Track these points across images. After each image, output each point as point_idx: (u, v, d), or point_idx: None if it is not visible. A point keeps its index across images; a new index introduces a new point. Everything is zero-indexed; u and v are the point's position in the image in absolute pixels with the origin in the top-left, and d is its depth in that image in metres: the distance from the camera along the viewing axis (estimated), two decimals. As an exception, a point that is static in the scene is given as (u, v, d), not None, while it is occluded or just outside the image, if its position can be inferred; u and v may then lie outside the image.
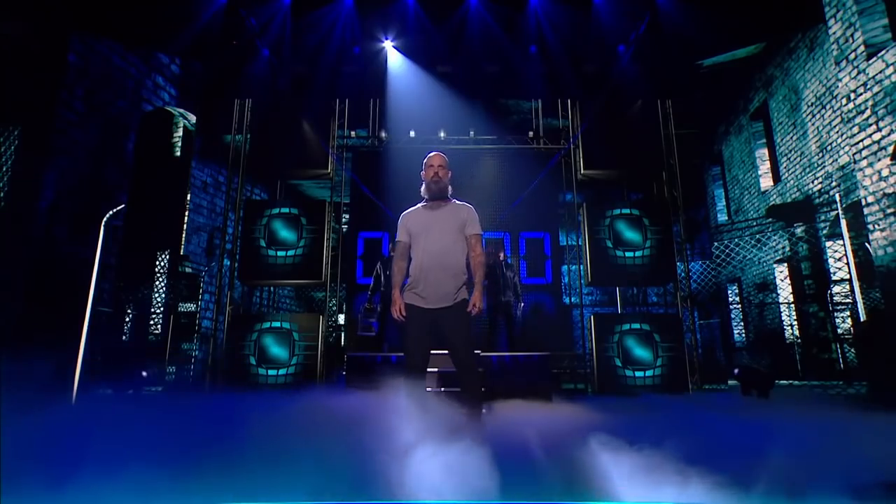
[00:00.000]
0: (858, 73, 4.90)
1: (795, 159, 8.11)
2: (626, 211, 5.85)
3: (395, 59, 7.57)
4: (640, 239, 5.75)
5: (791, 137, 8.20)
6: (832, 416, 3.07)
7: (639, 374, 5.40)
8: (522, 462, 1.89)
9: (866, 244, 5.35)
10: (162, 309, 6.82)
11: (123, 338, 6.65)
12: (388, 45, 7.33)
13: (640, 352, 5.45)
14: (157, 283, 6.95)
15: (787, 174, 8.40)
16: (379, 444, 1.90)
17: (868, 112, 4.78)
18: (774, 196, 8.82)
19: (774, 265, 8.90)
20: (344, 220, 9.33)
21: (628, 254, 5.72)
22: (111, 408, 4.05)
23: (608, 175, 6.29)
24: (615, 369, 5.42)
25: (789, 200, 8.26)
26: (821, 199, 7.42)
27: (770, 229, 8.55)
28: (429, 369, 2.76)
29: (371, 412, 2.29)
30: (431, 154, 2.83)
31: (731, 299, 10.63)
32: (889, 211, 4.57)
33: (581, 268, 6.22)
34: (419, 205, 2.82)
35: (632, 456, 1.76)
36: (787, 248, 8.26)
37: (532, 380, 5.28)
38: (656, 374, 5.39)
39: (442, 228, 2.64)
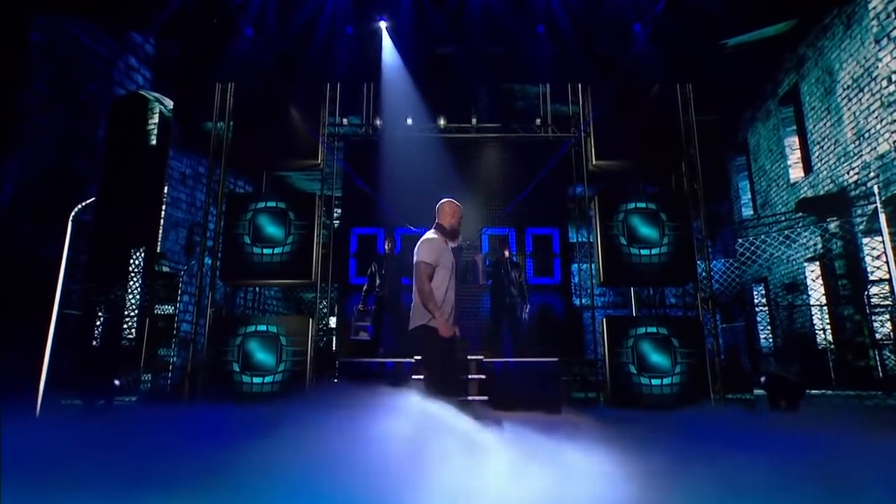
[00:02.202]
0: (900, 51, 4.76)
1: (829, 148, 8.03)
2: (642, 205, 5.83)
3: (391, 40, 7.50)
4: (657, 235, 5.72)
5: (824, 124, 8.13)
6: (882, 433, 2.93)
7: (655, 381, 5.38)
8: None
9: (907, 241, 5.24)
10: (136, 311, 6.82)
11: (94, 343, 6.62)
12: (382, 24, 7.25)
13: (657, 358, 5.42)
14: (132, 283, 6.94)
15: (819, 164, 8.33)
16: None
17: (911, 95, 4.65)
18: (805, 188, 8.76)
19: (805, 264, 8.85)
20: (335, 214, 9.30)
21: (644, 251, 5.69)
22: (79, 421, 4.01)
23: (622, 166, 6.26)
24: (630, 377, 5.39)
25: (822, 193, 8.20)
26: (857, 192, 7.34)
27: (800, 225, 8.52)
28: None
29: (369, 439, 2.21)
30: (456, 202, 3.34)
31: (756, 301, 10.61)
32: (934, 204, 4.45)
33: (592, 267, 6.20)
34: (440, 237, 3.23)
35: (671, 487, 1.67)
36: (820, 246, 8.21)
37: (539, 389, 5.25)
38: (675, 383, 5.37)
39: (455, 268, 3.27)
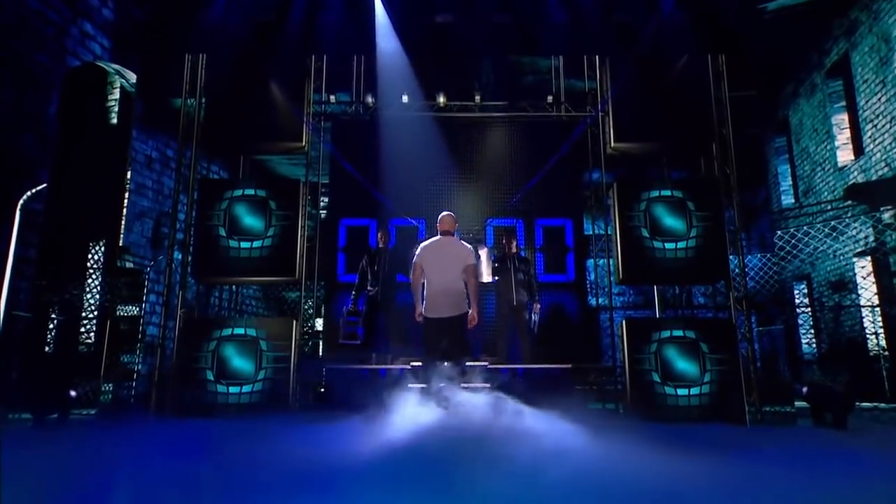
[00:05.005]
0: (968, 13, 4.67)
1: (884, 126, 7.96)
2: (667, 192, 5.82)
3: (384, 7, 7.46)
4: (684, 227, 5.71)
5: (879, 99, 8.05)
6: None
7: (682, 391, 5.38)
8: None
9: (973, 232, 5.18)
10: (95, 313, 6.85)
11: (46, 349, 6.64)
12: (375, -12, 7.20)
13: (684, 365, 5.41)
14: (90, 281, 6.98)
15: (872, 145, 8.27)
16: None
17: (979, 64, 4.55)
18: (855, 173, 8.72)
19: (854, 259, 8.83)
20: (322, 203, 9.29)
21: (669, 245, 5.68)
22: (26, 440, 3.99)
23: (645, 148, 6.29)
24: (652, 386, 5.40)
25: (875, 178, 8.16)
26: (915, 177, 7.30)
27: (849, 214, 8.49)
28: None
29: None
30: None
31: (798, 301, 10.62)
32: None
33: (611, 262, 6.19)
34: None
35: None
36: (871, 238, 8.17)
37: (550, 398, 5.24)
38: (703, 393, 5.36)
39: None
